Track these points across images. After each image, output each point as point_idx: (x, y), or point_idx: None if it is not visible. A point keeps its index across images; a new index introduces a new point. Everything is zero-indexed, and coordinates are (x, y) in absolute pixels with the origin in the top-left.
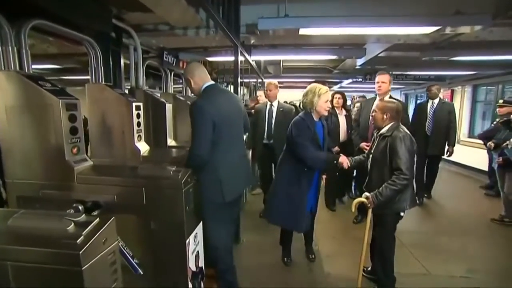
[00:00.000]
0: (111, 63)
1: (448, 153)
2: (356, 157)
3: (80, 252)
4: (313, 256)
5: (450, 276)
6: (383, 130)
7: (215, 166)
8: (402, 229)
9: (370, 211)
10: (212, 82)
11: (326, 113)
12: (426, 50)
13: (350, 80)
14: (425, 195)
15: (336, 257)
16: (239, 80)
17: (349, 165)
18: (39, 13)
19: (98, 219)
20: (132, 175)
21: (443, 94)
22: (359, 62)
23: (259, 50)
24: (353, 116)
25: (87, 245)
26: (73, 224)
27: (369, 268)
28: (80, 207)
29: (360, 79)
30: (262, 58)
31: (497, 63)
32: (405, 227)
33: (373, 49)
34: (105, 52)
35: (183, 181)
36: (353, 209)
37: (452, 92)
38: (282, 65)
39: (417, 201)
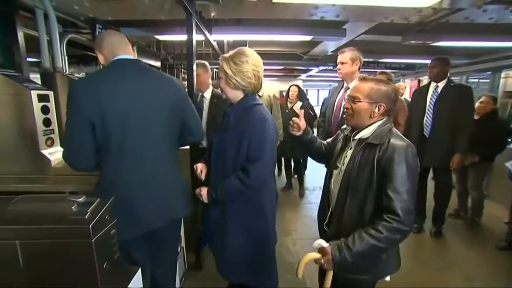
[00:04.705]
0: None
1: (453, 163)
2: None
3: (90, 226)
4: None
5: None
6: (365, 133)
7: (107, 185)
8: None
9: (330, 274)
10: (128, 56)
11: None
12: (407, 34)
13: (320, 68)
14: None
15: None
16: (195, 62)
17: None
18: None
19: (98, 199)
20: None
21: (410, 84)
22: (331, 48)
23: (222, 27)
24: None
25: (95, 220)
26: (76, 204)
27: None
28: None
29: (331, 67)
30: (225, 37)
31: (467, 51)
32: None
33: (354, 29)
34: None
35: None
36: (300, 275)
37: (419, 82)
38: None
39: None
